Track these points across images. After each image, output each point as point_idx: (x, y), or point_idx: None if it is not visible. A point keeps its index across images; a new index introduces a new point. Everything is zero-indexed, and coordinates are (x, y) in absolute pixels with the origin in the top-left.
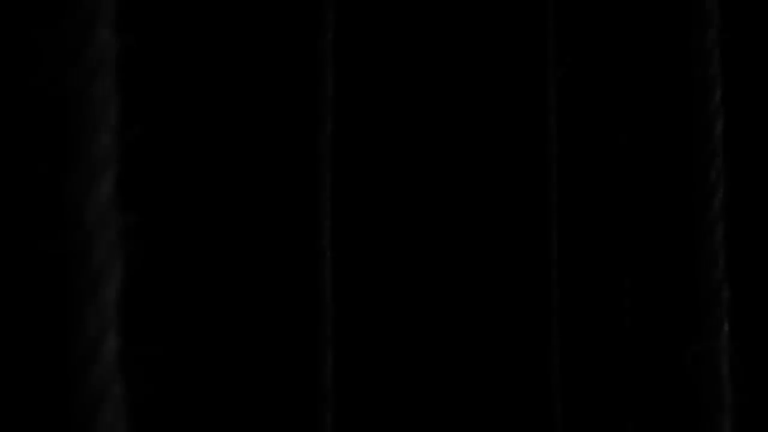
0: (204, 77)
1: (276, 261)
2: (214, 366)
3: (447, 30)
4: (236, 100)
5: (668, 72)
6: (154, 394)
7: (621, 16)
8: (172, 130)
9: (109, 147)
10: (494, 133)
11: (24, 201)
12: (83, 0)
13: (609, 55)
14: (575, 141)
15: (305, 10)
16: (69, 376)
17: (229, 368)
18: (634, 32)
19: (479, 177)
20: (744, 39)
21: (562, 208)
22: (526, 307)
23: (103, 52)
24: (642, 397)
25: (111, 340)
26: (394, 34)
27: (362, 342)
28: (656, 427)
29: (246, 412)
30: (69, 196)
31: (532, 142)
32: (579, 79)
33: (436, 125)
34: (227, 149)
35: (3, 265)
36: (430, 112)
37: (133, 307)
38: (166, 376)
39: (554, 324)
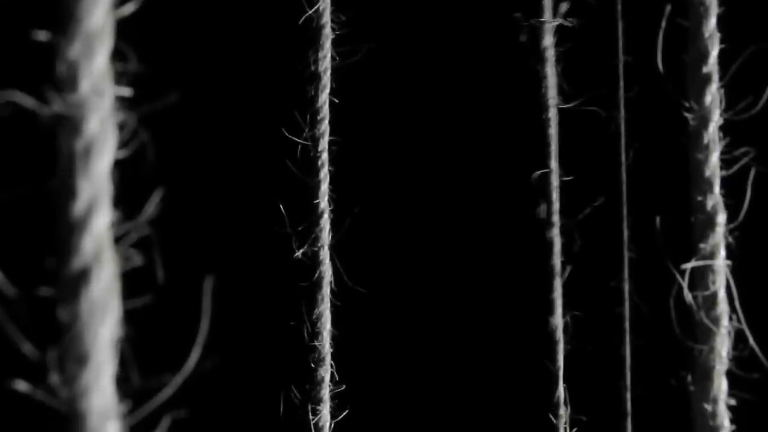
0: None
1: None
2: (208, 260)
3: None
4: None
5: None
6: (146, 266)
7: None
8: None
9: (104, 20)
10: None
11: (19, 67)
12: None
13: None
14: (567, 76)
15: None
16: (60, 246)
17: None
18: None
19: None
20: None
21: (561, 141)
22: (526, 230)
23: None
24: (638, 315)
25: (104, 211)
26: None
27: (360, 301)
28: (653, 347)
29: (241, 341)
30: (64, 65)
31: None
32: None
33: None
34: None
35: None
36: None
37: (127, 182)
38: (159, 250)
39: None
